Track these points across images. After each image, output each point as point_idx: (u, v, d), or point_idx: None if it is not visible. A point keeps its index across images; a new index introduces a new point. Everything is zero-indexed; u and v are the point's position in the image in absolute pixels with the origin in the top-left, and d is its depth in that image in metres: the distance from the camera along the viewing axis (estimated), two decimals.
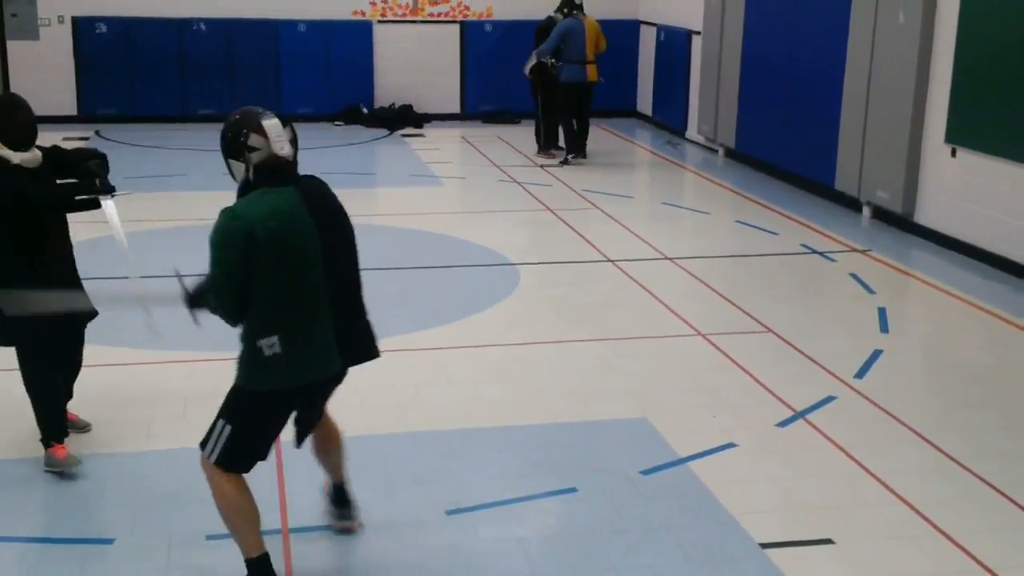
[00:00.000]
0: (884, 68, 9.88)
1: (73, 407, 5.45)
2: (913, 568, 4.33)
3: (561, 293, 7.97)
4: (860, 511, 4.76)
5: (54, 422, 5.08)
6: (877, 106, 10.01)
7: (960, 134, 9.03)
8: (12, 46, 14.92)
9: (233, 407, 3.89)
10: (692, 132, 14.46)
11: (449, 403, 5.90)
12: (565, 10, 12.84)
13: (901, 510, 4.77)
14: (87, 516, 4.70)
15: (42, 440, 5.06)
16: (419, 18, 15.93)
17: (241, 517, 3.92)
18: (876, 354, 6.71)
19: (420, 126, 15.51)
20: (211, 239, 3.71)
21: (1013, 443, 5.54)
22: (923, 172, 9.58)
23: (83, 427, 5.42)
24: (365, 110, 15.53)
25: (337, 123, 15.38)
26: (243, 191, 3.80)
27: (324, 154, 13.17)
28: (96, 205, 5.02)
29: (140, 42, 15.01)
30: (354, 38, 15.60)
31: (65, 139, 13.43)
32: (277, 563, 4.05)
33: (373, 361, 4.09)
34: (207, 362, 6.37)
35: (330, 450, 4.34)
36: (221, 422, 3.88)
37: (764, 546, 4.44)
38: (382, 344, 4.14)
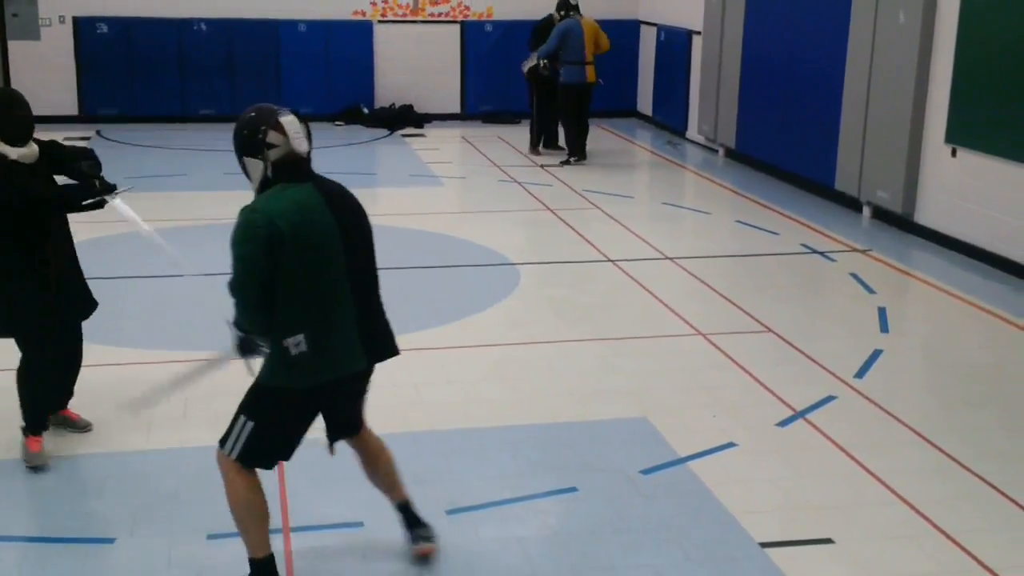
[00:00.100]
0: (884, 68, 9.88)
1: (74, 406, 5.46)
2: (913, 567, 4.33)
3: (561, 293, 7.97)
4: (860, 511, 4.76)
5: (37, 414, 5.13)
6: (877, 106, 10.02)
7: (960, 134, 9.03)
8: (13, 46, 14.93)
9: (256, 404, 3.86)
10: (692, 132, 14.47)
11: (449, 403, 5.90)
12: (562, 12, 12.86)
13: (901, 510, 4.77)
14: (87, 516, 4.70)
15: (22, 428, 5.11)
16: (419, 18, 15.93)
17: (251, 516, 3.91)
18: (876, 354, 6.71)
19: (420, 126, 15.51)
20: (232, 238, 3.69)
21: (1013, 443, 5.54)
22: (923, 172, 9.58)
23: (84, 427, 5.42)
24: (365, 110, 15.53)
25: (337, 123, 15.38)
26: (263, 189, 3.79)
27: (324, 154, 13.17)
28: (98, 206, 5.02)
29: (141, 42, 15.01)
30: (354, 38, 15.60)
31: (66, 139, 13.41)
32: (278, 562, 4.04)
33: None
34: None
35: (378, 470, 4.25)
36: (242, 418, 3.85)
37: (764, 545, 4.45)
38: None
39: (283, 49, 15.34)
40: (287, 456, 4.00)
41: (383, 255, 4.14)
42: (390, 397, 5.89)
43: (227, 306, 3.88)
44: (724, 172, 12.71)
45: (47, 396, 5.21)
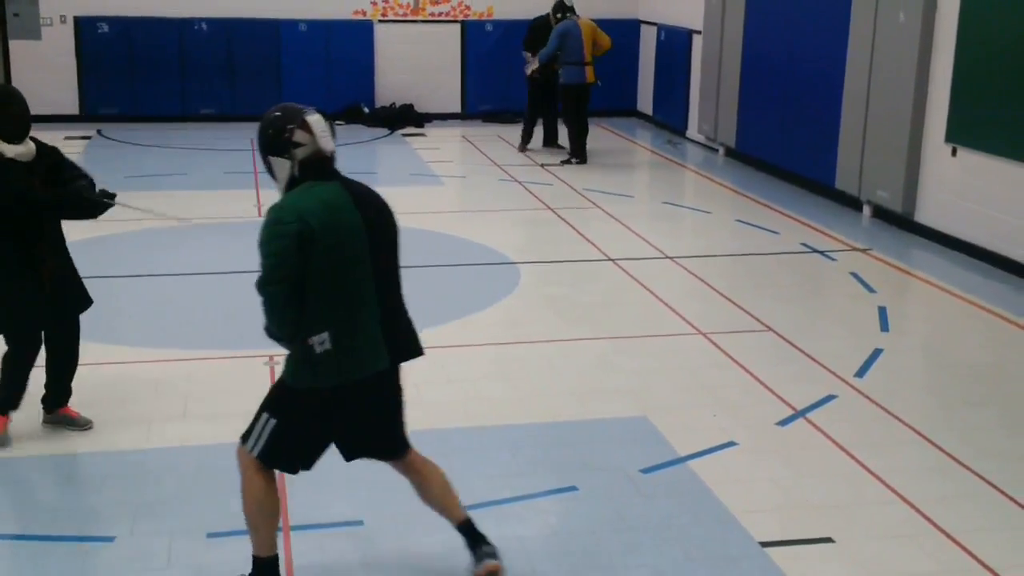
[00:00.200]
0: (884, 67, 9.88)
1: (73, 405, 5.46)
2: (913, 567, 4.33)
3: (561, 292, 7.97)
4: (860, 510, 4.76)
5: (9, 397, 5.21)
6: (877, 105, 10.02)
7: (960, 133, 9.03)
8: (14, 45, 14.93)
9: (279, 402, 3.85)
10: (692, 131, 14.46)
11: (449, 402, 5.90)
12: (559, 15, 12.89)
13: (901, 509, 4.77)
14: (87, 515, 4.70)
15: None
16: (420, 18, 15.93)
17: (262, 515, 3.90)
18: (876, 353, 6.71)
19: (421, 125, 15.51)
20: (261, 236, 3.67)
21: (1013, 442, 5.54)
22: (923, 171, 9.58)
23: (84, 425, 5.42)
24: (366, 109, 15.53)
25: (338, 122, 15.36)
26: (289, 188, 3.79)
27: None
28: (91, 215, 5.09)
29: (141, 42, 15.01)
30: (355, 38, 15.60)
31: (67, 138, 13.47)
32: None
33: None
34: (207, 361, 6.38)
35: (432, 492, 4.14)
36: (265, 415, 3.84)
37: (764, 545, 4.44)
38: None
39: (284, 48, 15.34)
40: (308, 463, 3.95)
41: None
42: None
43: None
44: (724, 171, 12.70)
45: (24, 384, 5.25)
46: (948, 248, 9.17)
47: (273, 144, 3.79)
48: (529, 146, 13.66)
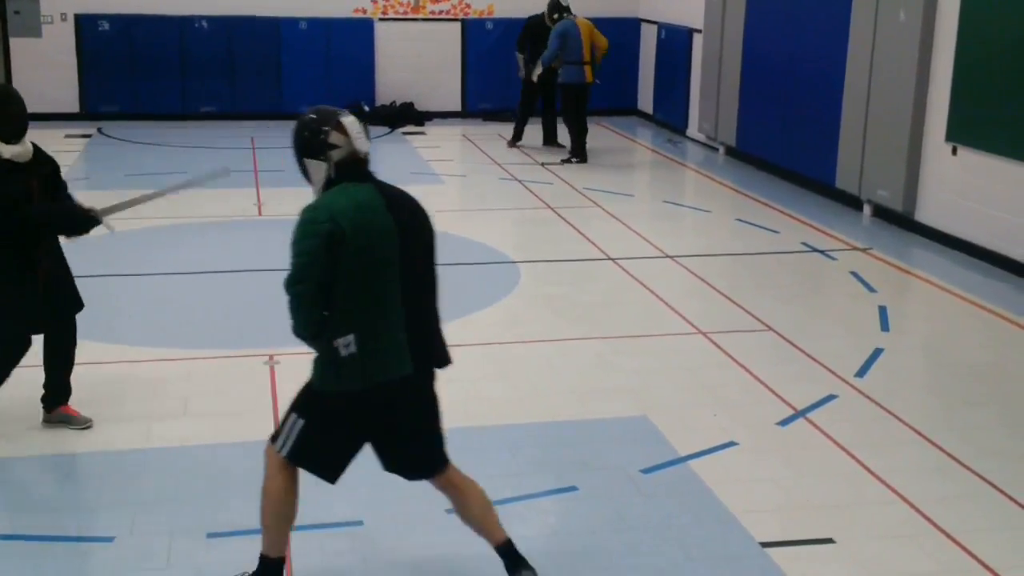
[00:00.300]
0: (885, 66, 9.87)
1: (73, 404, 5.46)
2: (913, 567, 4.33)
3: (561, 291, 7.97)
4: (860, 510, 4.76)
5: None
6: (878, 104, 10.01)
7: (961, 132, 9.02)
8: (15, 43, 14.92)
9: (306, 404, 3.84)
10: (693, 130, 14.45)
11: (449, 401, 5.82)
12: (556, 15, 12.89)
13: (901, 509, 4.77)
14: (87, 514, 4.69)
15: None
16: (420, 16, 15.92)
17: (277, 515, 3.90)
18: (877, 353, 6.71)
19: (421, 124, 15.50)
20: (294, 235, 3.65)
21: (1013, 441, 5.54)
22: (924, 170, 9.57)
23: (83, 424, 5.42)
24: (366, 108, 15.49)
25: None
26: (326, 189, 3.78)
27: None
28: (79, 232, 5.12)
29: (142, 39, 15.00)
30: (355, 36, 15.59)
31: (67, 136, 13.48)
32: None
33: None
34: (206, 360, 6.38)
35: (471, 512, 4.05)
36: (294, 415, 3.84)
37: (765, 545, 4.44)
38: None
39: (284, 46, 15.33)
40: (334, 473, 3.91)
41: None
42: None
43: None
44: (724, 170, 12.70)
45: (3, 379, 5.26)
46: (948, 247, 9.16)
47: (309, 146, 3.78)
48: (521, 143, 13.66)
